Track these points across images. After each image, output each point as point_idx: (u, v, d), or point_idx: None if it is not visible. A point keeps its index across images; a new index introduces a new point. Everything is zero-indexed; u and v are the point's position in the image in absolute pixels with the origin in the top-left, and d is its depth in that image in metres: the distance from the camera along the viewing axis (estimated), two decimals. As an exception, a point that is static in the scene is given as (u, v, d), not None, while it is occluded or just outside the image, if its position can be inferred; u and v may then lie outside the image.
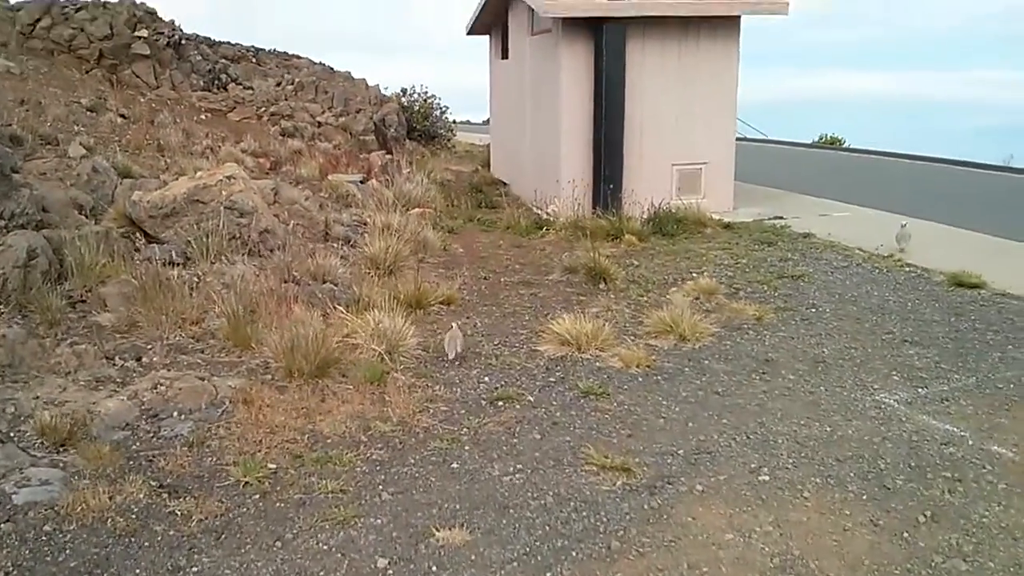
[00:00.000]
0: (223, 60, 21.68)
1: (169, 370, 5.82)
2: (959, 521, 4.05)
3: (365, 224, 10.18)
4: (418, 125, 22.16)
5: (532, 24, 13.37)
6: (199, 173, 7.96)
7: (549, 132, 12.59)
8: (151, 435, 4.89)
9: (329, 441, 4.88)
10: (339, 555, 3.77)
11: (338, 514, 4.04)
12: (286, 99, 19.90)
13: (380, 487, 4.35)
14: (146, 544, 3.81)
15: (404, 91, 23.10)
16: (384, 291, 7.57)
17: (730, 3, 11.97)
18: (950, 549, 3.82)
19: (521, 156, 14.57)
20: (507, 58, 15.39)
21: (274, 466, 4.53)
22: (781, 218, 11.97)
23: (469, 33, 16.92)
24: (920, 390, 5.76)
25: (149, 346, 6.18)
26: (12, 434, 4.71)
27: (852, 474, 4.51)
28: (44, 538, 3.79)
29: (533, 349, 6.62)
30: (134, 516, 3.99)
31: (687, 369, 6.19)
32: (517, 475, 4.49)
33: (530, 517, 4.06)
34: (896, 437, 4.99)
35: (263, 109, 19.25)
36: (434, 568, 3.67)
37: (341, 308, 6.85)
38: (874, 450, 4.81)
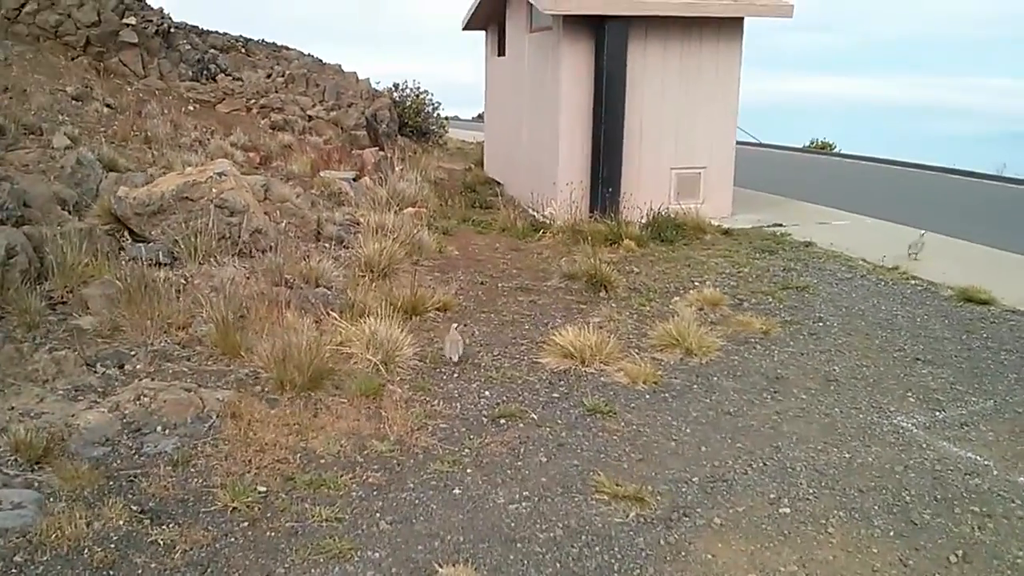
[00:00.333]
0: (212, 50, 21.28)
1: (153, 379, 5.52)
2: (992, 561, 3.83)
3: (358, 224, 9.89)
4: (410, 121, 21.84)
5: (531, 21, 13.09)
6: (188, 169, 7.65)
7: (547, 132, 12.33)
8: (133, 452, 4.60)
9: (323, 461, 4.60)
10: (335, 592, 3.50)
11: (333, 546, 3.76)
12: (276, 91, 19.54)
13: (378, 515, 4.08)
14: (126, 577, 3.53)
15: (396, 86, 22.78)
16: (379, 296, 7.30)
17: (735, 5, 11.74)
18: (986, 594, 3.60)
19: (517, 156, 14.30)
20: (504, 55, 15.11)
21: (264, 489, 4.25)
22: (781, 225, 11.77)
23: (465, 28, 16.62)
24: (938, 413, 5.55)
25: (133, 352, 5.88)
26: (-16, 449, 4.40)
27: (877, 507, 4.28)
28: (15, 571, 3.49)
29: (535, 361, 6.36)
30: (113, 546, 3.70)
31: (695, 386, 5.95)
32: (524, 503, 4.23)
33: (539, 552, 3.80)
34: (918, 466, 4.77)
35: (253, 101, 18.89)
36: (438, 609, 3.41)
37: (335, 314, 6.58)
38: (897, 480, 4.59)
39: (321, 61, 23.49)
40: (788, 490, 4.45)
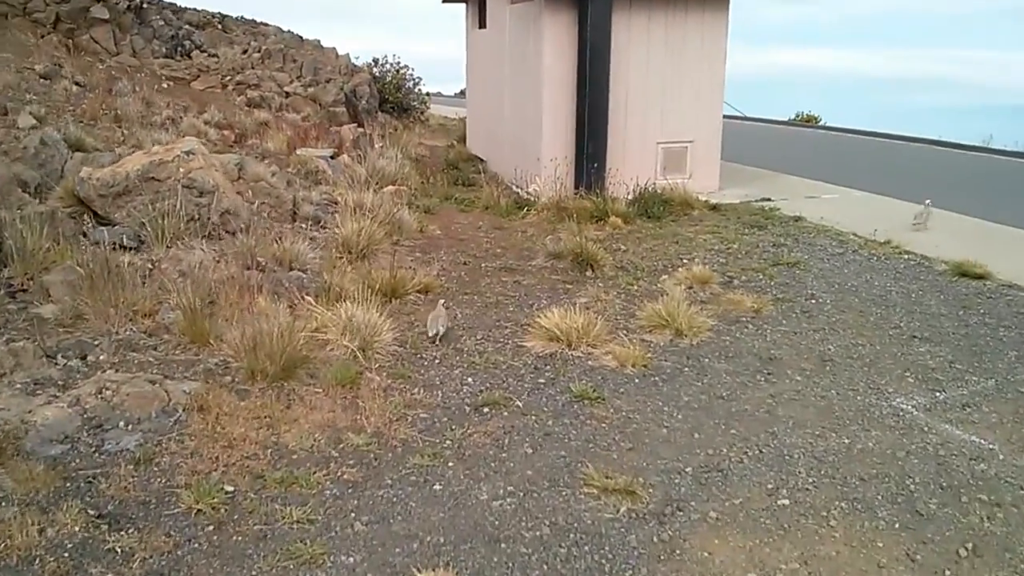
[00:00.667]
0: (187, 26, 20.73)
1: (117, 371, 5.23)
2: (1004, 555, 3.63)
3: (336, 203, 9.58)
4: (390, 97, 21.37)
5: (512, -8, 12.72)
6: (155, 148, 7.30)
7: (530, 107, 12.00)
8: (93, 450, 4.32)
9: (295, 457, 4.34)
10: (306, 601, 3.26)
11: (304, 551, 3.51)
12: (253, 67, 19.07)
13: (352, 515, 3.83)
14: (80, 589, 3.27)
15: (376, 61, 22.28)
16: (357, 278, 7.03)
17: (720, -27, 11.42)
18: (998, 590, 3.40)
19: (500, 132, 13.97)
20: (485, 28, 14.72)
21: (231, 489, 3.99)
22: (769, 200, 11.53)
23: (445, 1, 16.20)
24: (938, 394, 5.35)
25: (96, 342, 5.58)
26: (-69, 450, 4.12)
27: (880, 497, 4.07)
28: (-43, 585, 3.23)
29: (519, 345, 6.10)
30: (67, 555, 3.43)
31: (687, 369, 5.72)
32: (508, 499, 3.99)
33: (524, 553, 3.57)
34: (921, 451, 4.56)
35: (228, 78, 18.43)
36: (416, 618, 3.18)
37: (310, 298, 6.29)
38: (900, 467, 4.38)
39: (300, 37, 22.98)
40: (786, 480, 4.23)
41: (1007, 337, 6.34)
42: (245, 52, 19.88)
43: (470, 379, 5.46)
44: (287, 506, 3.85)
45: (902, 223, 9.76)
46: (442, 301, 6.55)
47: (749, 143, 17.78)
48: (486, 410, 4.97)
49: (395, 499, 3.98)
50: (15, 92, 12.75)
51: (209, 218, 6.89)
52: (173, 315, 5.77)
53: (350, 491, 4.03)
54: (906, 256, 8.56)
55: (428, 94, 24.49)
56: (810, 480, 4.23)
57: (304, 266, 6.93)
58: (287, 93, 18.34)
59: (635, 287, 7.59)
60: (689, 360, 5.88)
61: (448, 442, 4.55)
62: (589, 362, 5.78)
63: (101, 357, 5.43)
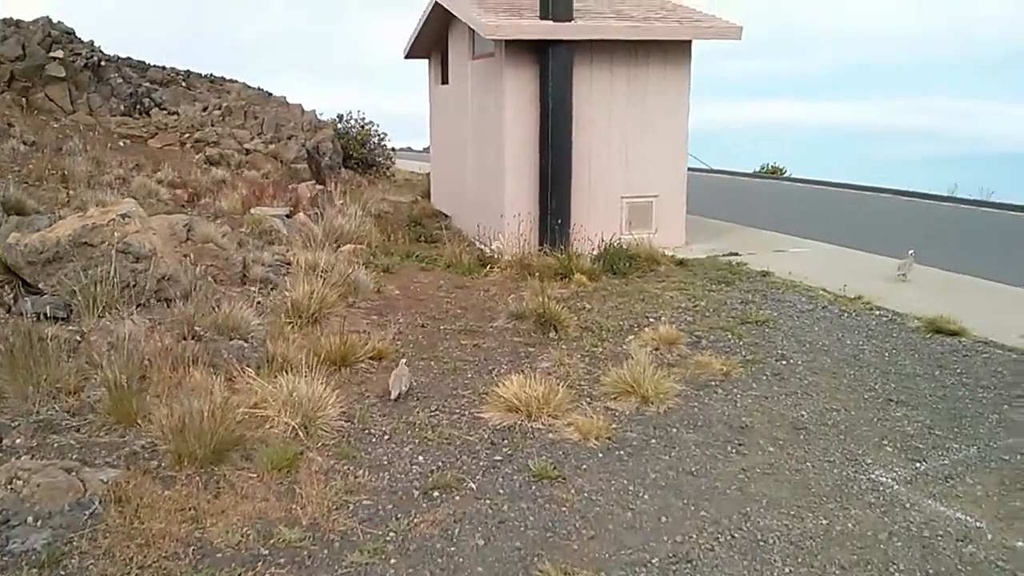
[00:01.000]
0: (147, 84, 20.50)
1: (33, 456, 4.76)
2: (1003, 657, 3.27)
3: (289, 264, 9.21)
4: (355, 153, 21.18)
5: (473, 48, 12.60)
6: (90, 211, 6.90)
7: (492, 162, 11.79)
8: (-7, 552, 3.85)
9: (219, 556, 3.90)
10: None
11: (218, 675, 3.08)
12: (212, 124, 18.80)
13: (279, 627, 3.40)
14: None
15: (340, 117, 22.14)
16: (305, 345, 6.63)
17: (680, 27, 11.37)
18: None
19: (463, 187, 13.73)
20: (448, 83, 14.59)
21: (143, 597, 3.54)
22: (736, 254, 11.34)
23: (407, 56, 16.09)
24: (918, 464, 5.03)
25: (14, 423, 5.12)
26: None
27: (864, 589, 3.72)
28: None
29: (476, 416, 5.72)
30: None
31: (654, 441, 5.36)
32: (454, 603, 3.58)
33: (471, 671, 3.15)
34: (904, 532, 4.23)
35: (187, 135, 18.13)
36: None
37: (250, 370, 5.88)
38: (882, 551, 4.03)
39: (268, 93, 22.82)
40: (761, 570, 3.86)
41: (986, 399, 6.07)
42: (205, 109, 19.61)
43: (420, 457, 5.06)
44: (204, 618, 3.41)
45: (872, 277, 9.59)
46: (404, 360, 6.34)
47: (715, 195, 17.73)
48: (436, 494, 4.57)
49: (328, 606, 3.55)
50: (-40, 152, 12.35)
51: (146, 285, 6.48)
52: (99, 392, 5.33)
53: (277, 597, 3.60)
54: (878, 312, 8.34)
55: (394, 149, 24.37)
56: (787, 570, 3.86)
57: (248, 334, 6.51)
58: (247, 150, 18.07)
59: (600, 349, 7.26)
60: (656, 430, 5.53)
61: (392, 534, 4.14)
62: (550, 435, 5.41)
63: (18, 440, 4.97)
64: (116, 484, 4.39)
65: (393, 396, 5.93)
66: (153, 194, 11.36)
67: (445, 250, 11.52)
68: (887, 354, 7.09)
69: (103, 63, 19.69)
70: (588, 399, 6.04)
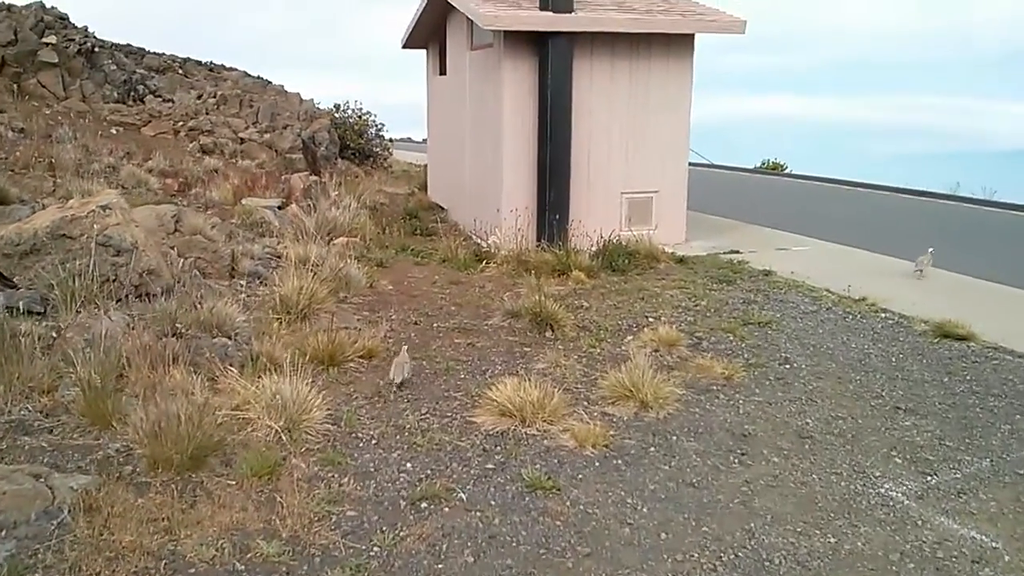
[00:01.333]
0: (143, 71, 20.18)
1: (2, 460, 4.54)
2: None
3: (280, 257, 8.96)
4: (352, 143, 20.87)
5: (472, 38, 12.33)
6: (70, 202, 6.66)
7: (489, 155, 11.54)
8: (-50, 566, 3.62)
9: (192, 571, 3.66)
10: None
11: None
12: (207, 113, 18.50)
13: (251, 652, 3.17)
14: None
15: (338, 107, 21.82)
16: (292, 343, 6.40)
17: (683, 20, 11.11)
18: None
19: (460, 180, 13.48)
20: (445, 74, 14.32)
21: (108, 618, 3.32)
22: (738, 252, 11.11)
23: (405, 46, 15.81)
24: (929, 478, 4.82)
25: (-16, 424, 4.89)
26: None
27: (876, 616, 3.50)
28: None
29: (468, 420, 5.49)
30: None
31: (653, 449, 5.14)
32: (440, 628, 3.36)
33: None
34: (916, 552, 4.01)
35: (181, 124, 17.83)
36: None
37: (234, 369, 5.64)
38: (895, 574, 3.81)
39: (266, 82, 22.50)
40: (767, 594, 3.65)
41: (997, 408, 5.86)
42: (201, 97, 19.31)
43: (409, 464, 4.83)
44: (171, 642, 3.18)
45: (876, 277, 9.37)
46: (406, 347, 6.25)
47: (716, 192, 17.49)
48: (424, 505, 4.34)
49: (305, 629, 3.33)
50: (-52, 138, 12.08)
51: (127, 279, 6.24)
52: (73, 392, 5.10)
53: (251, 619, 3.38)
54: (883, 315, 8.11)
55: (392, 140, 24.08)
56: (794, 594, 3.65)
57: (233, 331, 6.27)
58: (242, 139, 17.78)
59: (597, 350, 7.04)
60: (655, 438, 5.30)
61: (376, 549, 3.91)
62: (545, 442, 5.18)
63: (-14, 443, 4.73)
64: (86, 492, 4.16)
65: (396, 383, 5.94)
66: (143, 183, 11.11)
67: (441, 244, 11.27)
68: (894, 359, 6.87)
69: (97, 49, 19.36)
70: (585, 403, 5.81)
